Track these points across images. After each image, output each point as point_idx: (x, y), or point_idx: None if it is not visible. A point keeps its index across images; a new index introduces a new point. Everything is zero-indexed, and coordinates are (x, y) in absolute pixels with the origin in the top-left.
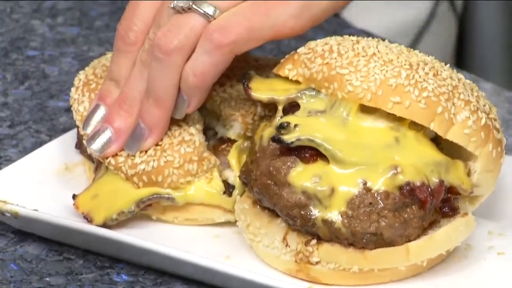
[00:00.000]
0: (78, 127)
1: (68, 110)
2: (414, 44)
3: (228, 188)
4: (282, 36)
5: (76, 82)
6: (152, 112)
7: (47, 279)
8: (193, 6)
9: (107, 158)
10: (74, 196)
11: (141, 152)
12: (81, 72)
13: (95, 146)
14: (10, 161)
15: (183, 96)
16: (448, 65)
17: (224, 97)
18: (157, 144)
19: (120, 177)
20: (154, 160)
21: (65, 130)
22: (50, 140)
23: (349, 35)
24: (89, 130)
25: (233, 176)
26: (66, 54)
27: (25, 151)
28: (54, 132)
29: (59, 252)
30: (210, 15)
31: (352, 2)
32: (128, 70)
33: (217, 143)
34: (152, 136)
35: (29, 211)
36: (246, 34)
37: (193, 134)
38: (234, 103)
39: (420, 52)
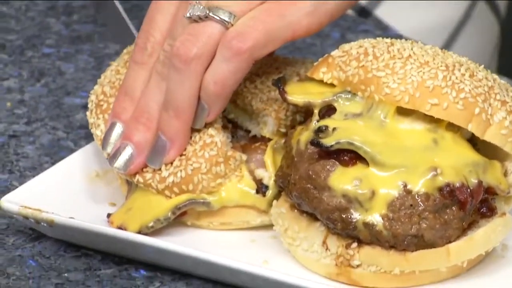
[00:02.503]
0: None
1: (85, 107)
2: (447, 46)
3: (261, 188)
4: (301, 35)
5: (89, 104)
6: (172, 123)
7: (66, 275)
8: (210, 13)
9: (134, 175)
10: (108, 215)
11: (166, 165)
12: (91, 92)
13: (118, 165)
14: (27, 157)
15: (204, 104)
16: (483, 65)
17: (256, 93)
18: (180, 154)
19: (152, 191)
20: (181, 170)
21: (81, 127)
22: (67, 137)
23: (364, 31)
24: (109, 149)
25: (267, 176)
26: (82, 51)
27: (42, 148)
28: (71, 129)
29: (77, 248)
30: (227, 22)
31: (386, 2)
32: (144, 83)
33: (249, 141)
34: (174, 148)
35: (65, 219)
36: (263, 37)
37: (213, 135)
38: (266, 98)
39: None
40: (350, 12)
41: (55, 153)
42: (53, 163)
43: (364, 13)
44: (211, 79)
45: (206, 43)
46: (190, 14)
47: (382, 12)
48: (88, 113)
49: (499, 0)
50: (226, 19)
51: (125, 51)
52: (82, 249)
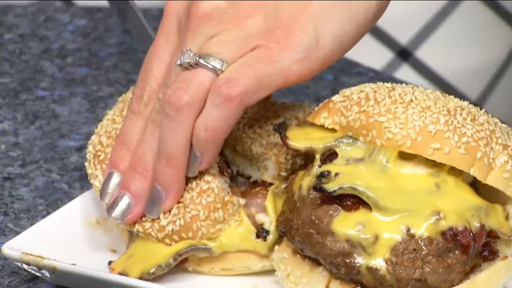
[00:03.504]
0: None
1: (79, 149)
2: (489, 88)
3: (262, 232)
4: (292, 82)
5: (87, 155)
6: (165, 172)
7: None
8: (200, 61)
9: (133, 225)
10: (109, 262)
11: (164, 213)
12: (89, 142)
13: (115, 215)
14: (22, 200)
15: (196, 152)
16: (484, 110)
17: (255, 138)
18: (178, 202)
19: (152, 240)
20: (179, 218)
21: (75, 169)
22: (61, 179)
23: (358, 73)
24: (107, 199)
25: (268, 221)
26: (76, 94)
27: (37, 190)
28: (65, 171)
29: None
30: (218, 69)
31: (427, 43)
32: (141, 132)
33: (249, 186)
34: (170, 197)
35: (67, 266)
36: (254, 84)
37: (210, 181)
38: (265, 143)
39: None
40: (389, 52)
41: (50, 195)
42: (47, 205)
43: (404, 54)
44: (202, 126)
45: (197, 91)
46: (181, 61)
47: (422, 53)
48: (86, 164)
49: None
50: (217, 66)
51: (120, 99)
52: None
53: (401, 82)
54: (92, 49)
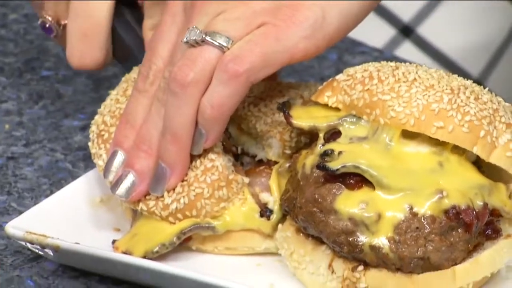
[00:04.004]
0: None
1: (83, 129)
2: (490, 66)
3: (266, 212)
4: (299, 59)
5: (90, 135)
6: (170, 149)
7: None
8: (206, 38)
9: (137, 203)
10: (113, 241)
11: (168, 191)
12: (92, 122)
13: (120, 192)
14: (25, 179)
15: (201, 130)
16: (488, 88)
17: (260, 116)
18: (182, 180)
19: (156, 218)
20: (184, 197)
21: (79, 148)
22: (65, 158)
23: (362, 53)
24: (111, 177)
25: (272, 201)
26: (80, 74)
27: (41, 170)
28: (69, 150)
29: (75, 268)
30: (224, 46)
31: (429, 21)
32: (146, 110)
33: (254, 165)
34: (175, 174)
35: (71, 245)
36: (260, 60)
37: (214, 160)
38: (270, 121)
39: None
40: (392, 29)
41: (53, 174)
42: (51, 185)
43: (407, 31)
44: (208, 103)
45: (203, 68)
46: (187, 39)
47: (424, 30)
48: (90, 143)
49: None
50: (223, 43)
51: (123, 79)
52: (80, 269)
53: (404, 61)
54: None
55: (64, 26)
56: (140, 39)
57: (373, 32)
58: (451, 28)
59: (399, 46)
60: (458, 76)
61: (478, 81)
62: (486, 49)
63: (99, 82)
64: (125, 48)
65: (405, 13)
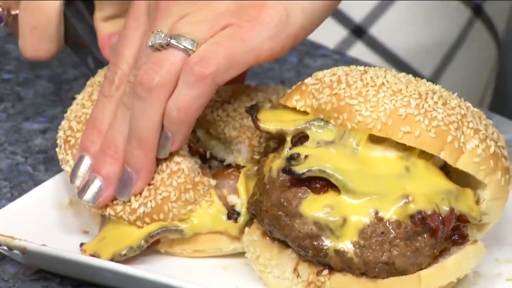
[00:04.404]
0: None
1: (43, 132)
2: (442, 66)
3: (233, 214)
4: (264, 59)
5: (58, 141)
6: (136, 154)
7: None
8: (171, 41)
9: (105, 208)
10: (81, 244)
11: (135, 196)
12: (59, 127)
13: (87, 198)
14: None
15: (167, 133)
16: (456, 94)
17: (228, 121)
18: (149, 184)
19: (124, 223)
20: (151, 201)
21: (40, 151)
22: (25, 161)
23: (322, 56)
24: (78, 182)
25: (240, 203)
26: (41, 77)
27: (1, 173)
28: (30, 153)
29: (36, 271)
30: (189, 49)
31: (381, 21)
32: (112, 115)
33: (222, 168)
34: (141, 178)
35: (37, 246)
36: (225, 62)
37: (179, 163)
38: (238, 126)
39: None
40: (343, 30)
41: (14, 177)
42: (11, 188)
43: (359, 31)
44: (174, 105)
45: (169, 71)
46: (152, 42)
47: (376, 31)
48: (57, 149)
49: (497, 20)
50: (189, 46)
51: (88, 83)
52: (41, 272)
53: (366, 64)
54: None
55: (15, 16)
56: (91, 27)
57: (325, 32)
58: (403, 29)
59: (351, 46)
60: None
61: (430, 81)
62: (438, 50)
63: (60, 85)
64: (77, 36)
65: (357, 13)
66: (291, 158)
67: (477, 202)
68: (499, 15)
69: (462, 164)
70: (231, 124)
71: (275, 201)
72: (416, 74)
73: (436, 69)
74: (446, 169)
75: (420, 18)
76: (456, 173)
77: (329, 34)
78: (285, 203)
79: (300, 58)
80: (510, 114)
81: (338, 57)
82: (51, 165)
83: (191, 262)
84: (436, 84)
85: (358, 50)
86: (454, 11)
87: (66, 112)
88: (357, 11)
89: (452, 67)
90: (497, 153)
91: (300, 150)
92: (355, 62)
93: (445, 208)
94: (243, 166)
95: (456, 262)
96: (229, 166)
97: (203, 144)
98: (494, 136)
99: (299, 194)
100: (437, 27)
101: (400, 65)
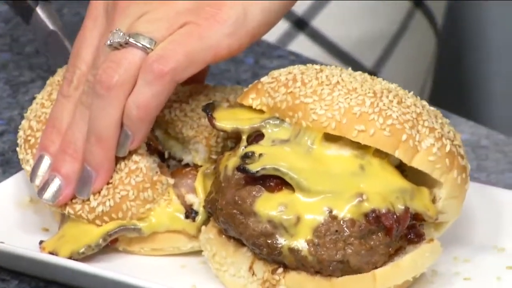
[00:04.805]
0: None
1: (1, 134)
2: (383, 58)
3: (191, 213)
4: (223, 57)
5: (18, 140)
6: (95, 152)
7: None
8: (130, 40)
9: (64, 207)
10: (41, 242)
11: (94, 194)
12: (20, 127)
13: (46, 196)
14: None
15: (127, 131)
16: (412, 92)
17: (186, 120)
18: (108, 183)
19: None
20: (109, 199)
21: None
22: None
23: (279, 57)
24: (38, 181)
25: (197, 202)
26: None
27: None
28: None
29: None
30: (147, 47)
31: (322, 13)
32: (71, 115)
33: (180, 167)
34: (100, 177)
35: None
36: (184, 59)
37: (138, 162)
38: (196, 125)
39: (384, 79)
40: (286, 23)
41: None
42: None
43: (300, 24)
44: (133, 103)
45: (128, 70)
46: (110, 41)
47: (318, 23)
48: (18, 149)
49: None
50: (147, 45)
51: (48, 82)
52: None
53: (312, 61)
54: (14, 35)
55: None
56: None
57: None
58: (344, 21)
59: (294, 39)
60: (353, 67)
61: (372, 73)
62: (379, 41)
63: (17, 88)
64: None
65: (299, 6)
66: (246, 157)
67: (434, 200)
68: (438, 6)
69: (417, 162)
70: (189, 124)
71: (229, 199)
72: (358, 65)
73: (378, 60)
74: (402, 168)
75: (362, 9)
76: (412, 172)
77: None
78: (239, 202)
79: (257, 59)
80: (448, 105)
81: (295, 58)
82: (9, 167)
83: (149, 261)
84: (378, 75)
85: (301, 42)
86: (394, 3)
87: (23, 114)
88: (299, 3)
89: (393, 58)
90: (453, 151)
91: (255, 148)
92: (312, 63)
93: (400, 207)
94: (201, 166)
95: (411, 261)
96: (187, 165)
97: (161, 143)
98: (450, 135)
99: (254, 193)
100: (378, 19)
101: (342, 57)
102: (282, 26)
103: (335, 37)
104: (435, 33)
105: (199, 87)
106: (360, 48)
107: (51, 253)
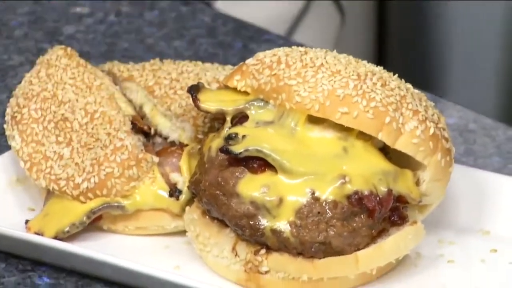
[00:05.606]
0: None
1: None
2: (289, 35)
3: (175, 192)
4: None
5: (6, 117)
6: None
7: None
8: None
9: (49, 183)
10: (26, 221)
11: (79, 171)
12: (8, 104)
13: None
14: None
15: None
16: (397, 75)
17: (175, 98)
18: (93, 159)
19: (68, 197)
20: (94, 176)
21: None
22: None
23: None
24: None
25: (182, 181)
26: None
27: None
28: None
29: None
30: None
31: None
32: None
33: (166, 146)
34: None
35: None
36: None
37: (123, 139)
38: (185, 104)
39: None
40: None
41: None
42: None
43: (206, 4)
44: None
45: None
46: None
47: (222, 4)
48: (5, 125)
49: None
50: None
51: (38, 61)
52: None
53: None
54: (2, 18)
55: None
56: None
57: None
58: (246, 2)
59: (262, 36)
60: None
61: None
62: (284, 20)
63: (5, 71)
64: None
65: None
66: (229, 138)
67: (417, 183)
68: None
69: (401, 145)
70: (178, 102)
71: (213, 180)
72: None
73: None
74: (386, 151)
75: None
76: (396, 154)
77: None
78: (222, 183)
79: (245, 43)
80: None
81: (283, 42)
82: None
83: (133, 241)
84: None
85: (269, 39)
86: None
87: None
88: None
89: (296, 36)
90: (437, 134)
91: (238, 130)
92: (301, 46)
93: (382, 189)
94: (187, 145)
95: (394, 243)
96: (173, 143)
97: (148, 120)
98: (434, 117)
99: (237, 174)
100: (280, 1)
101: None
102: (249, 25)
103: (243, 15)
104: (340, 12)
105: (190, 65)
106: (268, 27)
107: (37, 233)
